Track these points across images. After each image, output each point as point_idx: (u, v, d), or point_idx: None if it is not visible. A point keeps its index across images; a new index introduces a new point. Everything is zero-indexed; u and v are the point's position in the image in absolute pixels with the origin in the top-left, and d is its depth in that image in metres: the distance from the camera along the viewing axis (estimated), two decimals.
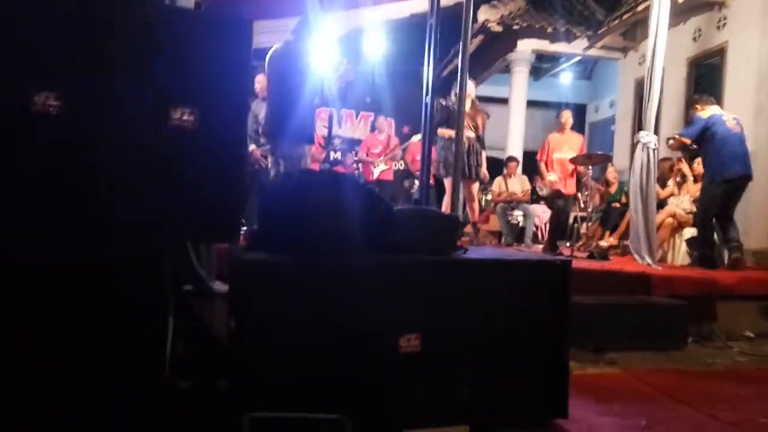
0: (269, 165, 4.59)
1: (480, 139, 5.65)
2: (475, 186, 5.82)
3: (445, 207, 5.58)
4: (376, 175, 7.72)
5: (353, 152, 8.27)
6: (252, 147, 5.14)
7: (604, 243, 6.49)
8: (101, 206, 1.59)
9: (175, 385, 1.82)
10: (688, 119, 5.37)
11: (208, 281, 2.11)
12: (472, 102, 5.57)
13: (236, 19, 1.87)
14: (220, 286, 2.14)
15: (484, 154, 5.75)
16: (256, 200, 2.07)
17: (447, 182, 5.51)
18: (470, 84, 5.50)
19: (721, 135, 4.98)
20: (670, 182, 6.22)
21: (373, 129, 8.88)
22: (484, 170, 5.83)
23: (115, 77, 1.58)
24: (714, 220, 5.13)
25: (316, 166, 6.31)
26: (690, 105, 5.52)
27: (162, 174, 1.65)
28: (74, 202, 1.56)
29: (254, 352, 1.60)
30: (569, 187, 6.49)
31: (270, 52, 4.25)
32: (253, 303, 1.62)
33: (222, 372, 1.78)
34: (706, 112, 5.15)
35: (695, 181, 5.95)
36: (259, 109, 5.08)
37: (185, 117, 1.65)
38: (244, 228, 1.94)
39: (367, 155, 7.85)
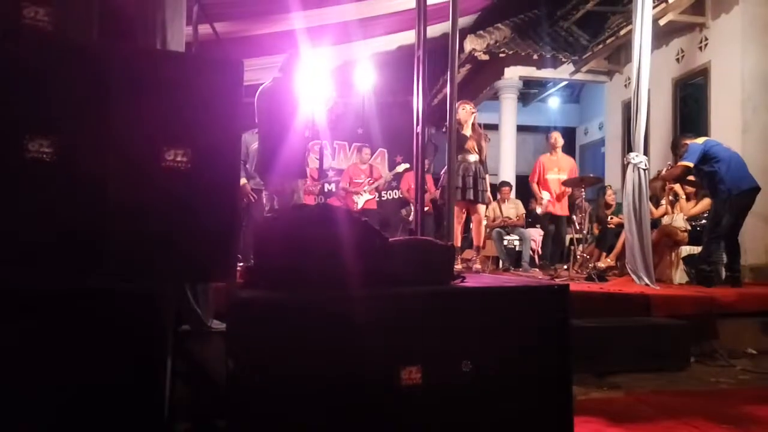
0: (263, 200, 4.60)
1: (483, 163, 5.70)
2: (482, 210, 5.84)
3: (456, 233, 5.60)
4: (360, 205, 7.74)
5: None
6: (243, 181, 5.16)
7: (601, 264, 6.50)
8: (96, 249, 1.58)
9: (174, 427, 1.79)
10: (679, 154, 5.42)
11: (205, 320, 2.10)
12: (474, 126, 5.62)
13: (227, 59, 1.90)
14: (217, 325, 2.13)
15: (488, 178, 5.80)
16: (248, 236, 2.08)
17: (456, 208, 5.53)
18: (470, 108, 5.57)
19: (723, 154, 5.10)
20: (663, 201, 6.26)
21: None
22: (488, 194, 5.85)
23: (108, 121, 1.60)
24: (722, 241, 5.16)
25: (310, 200, 6.34)
26: (677, 143, 5.59)
27: (157, 215, 1.66)
28: (69, 245, 1.56)
29: (252, 392, 1.58)
30: (560, 209, 6.54)
31: (259, 89, 4.31)
32: (250, 341, 1.60)
33: (220, 412, 1.76)
34: (700, 140, 5.26)
35: (688, 199, 5.99)
36: (251, 141, 5.12)
37: (179, 158, 1.66)
38: (240, 265, 1.94)
39: (350, 185, 7.86)
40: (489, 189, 5.86)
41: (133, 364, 1.63)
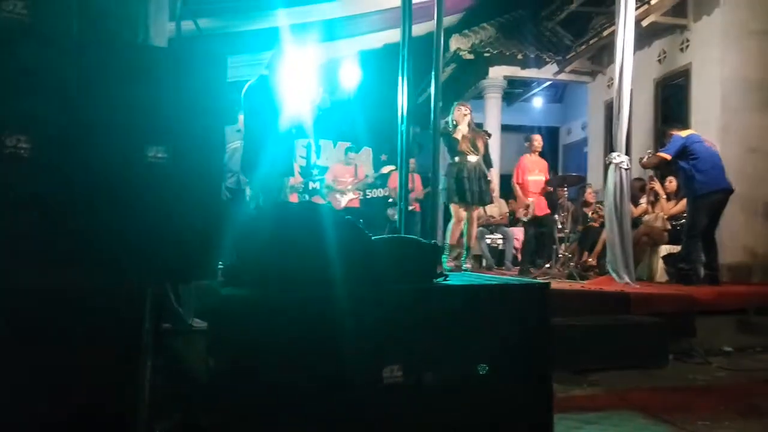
0: (245, 198, 4.58)
1: (486, 160, 5.72)
2: (478, 211, 5.85)
3: (451, 233, 5.61)
4: (343, 204, 7.74)
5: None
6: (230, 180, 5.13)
7: (583, 263, 6.57)
8: (77, 246, 1.57)
9: (154, 424, 1.78)
10: (663, 143, 5.51)
11: (186, 319, 2.09)
12: (469, 126, 5.62)
13: (211, 54, 1.88)
14: (198, 324, 2.12)
15: (492, 174, 5.77)
16: (230, 235, 2.07)
17: (453, 208, 5.54)
18: (465, 109, 5.58)
19: (702, 151, 5.16)
20: (643, 201, 6.34)
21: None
22: (493, 194, 5.84)
23: (88, 117, 1.58)
24: (700, 241, 5.23)
25: (294, 198, 6.31)
26: (664, 131, 5.68)
27: (138, 212, 1.64)
28: (49, 242, 1.54)
29: (234, 390, 1.58)
30: (541, 208, 6.59)
31: (245, 87, 4.28)
32: (231, 339, 1.60)
33: (202, 411, 1.75)
34: (684, 132, 5.33)
35: (668, 199, 6.08)
36: (231, 138, 5.09)
37: (161, 154, 1.65)
38: (222, 263, 1.93)
39: (335, 183, 7.87)
40: (490, 188, 5.86)
41: (112, 362, 1.62)
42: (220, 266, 1.91)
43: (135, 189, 1.64)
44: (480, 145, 5.63)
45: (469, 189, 5.42)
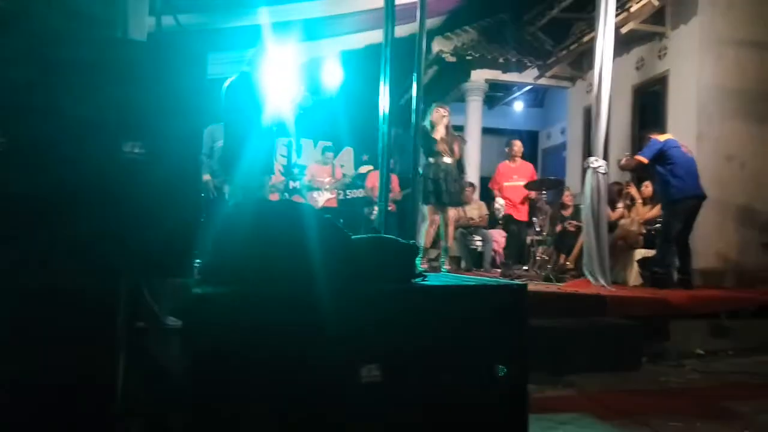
0: (227, 195, 4.54)
1: (460, 164, 5.75)
2: (453, 212, 5.89)
3: (426, 235, 5.63)
4: (320, 203, 7.73)
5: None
6: (206, 177, 5.08)
7: (560, 265, 6.63)
8: (50, 241, 1.54)
9: (127, 422, 1.76)
10: (641, 147, 5.62)
11: (161, 317, 2.06)
12: (447, 128, 5.66)
13: (190, 50, 1.87)
14: (174, 322, 2.09)
15: (465, 179, 5.83)
16: (208, 232, 2.04)
17: (426, 209, 5.56)
18: (444, 111, 5.61)
19: (679, 157, 5.25)
20: (620, 205, 6.43)
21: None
22: (467, 195, 5.87)
23: (63, 111, 1.55)
24: (674, 246, 5.32)
25: (274, 197, 6.28)
26: (643, 135, 5.80)
27: (113, 209, 1.62)
28: (19, 238, 1.51)
29: (209, 389, 1.56)
30: (521, 214, 6.65)
31: (226, 84, 4.24)
32: (206, 338, 1.58)
33: (176, 409, 1.73)
34: (662, 137, 5.42)
35: (644, 203, 6.17)
36: (217, 136, 5.05)
37: (137, 149, 1.62)
38: (198, 261, 1.90)
39: (312, 183, 7.85)
40: (464, 190, 5.92)
41: (85, 360, 1.59)
42: (197, 264, 1.89)
43: (111, 184, 1.62)
44: (456, 148, 5.68)
45: (446, 190, 5.46)
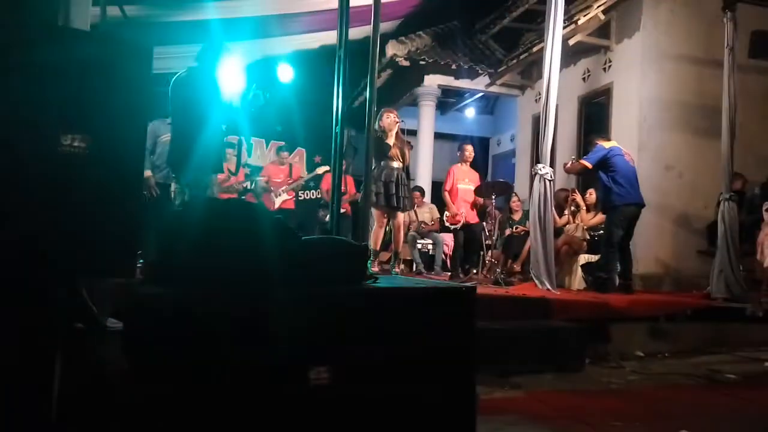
0: (171, 194, 4.40)
1: (406, 169, 5.79)
2: (401, 216, 5.91)
3: (374, 237, 5.62)
4: (277, 205, 7.64)
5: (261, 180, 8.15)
6: (147, 173, 4.91)
7: (508, 269, 6.76)
8: None
9: (62, 429, 1.67)
10: (588, 149, 5.80)
11: (101, 319, 1.97)
12: (398, 134, 5.68)
13: (135, 42, 1.80)
14: (114, 324, 2.01)
15: (411, 185, 5.87)
16: (150, 232, 1.97)
17: (375, 213, 5.56)
18: (394, 117, 5.62)
19: (621, 165, 5.43)
20: (566, 211, 6.61)
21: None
22: (414, 200, 5.91)
23: None
24: (617, 251, 5.49)
25: (224, 196, 6.14)
26: (591, 139, 5.97)
27: (50, 204, 1.54)
28: None
29: (151, 393, 1.50)
30: (472, 217, 6.75)
31: (173, 79, 4.12)
32: (149, 340, 1.52)
33: (115, 414, 1.66)
34: (607, 144, 5.60)
35: (588, 210, 6.36)
36: (161, 131, 4.90)
37: (77, 143, 1.55)
38: (141, 261, 1.83)
39: (269, 184, 7.75)
40: (411, 194, 5.97)
41: (22, 362, 1.51)
42: (140, 264, 1.82)
43: (48, 179, 1.54)
44: (406, 153, 5.73)
45: (395, 194, 5.49)
